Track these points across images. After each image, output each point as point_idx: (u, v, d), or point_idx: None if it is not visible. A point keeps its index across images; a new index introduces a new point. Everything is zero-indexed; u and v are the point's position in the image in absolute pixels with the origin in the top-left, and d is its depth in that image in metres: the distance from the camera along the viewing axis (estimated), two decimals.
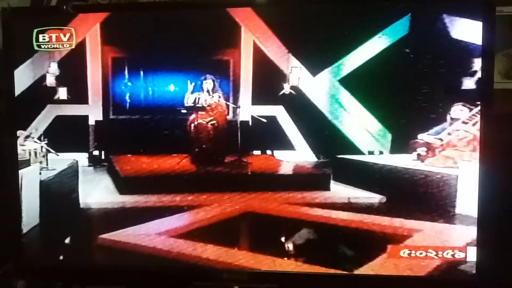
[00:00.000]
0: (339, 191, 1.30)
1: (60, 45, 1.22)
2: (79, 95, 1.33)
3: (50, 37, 1.22)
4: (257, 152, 1.32)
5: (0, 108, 1.30)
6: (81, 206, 1.36)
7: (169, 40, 1.30)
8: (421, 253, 1.22)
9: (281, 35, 1.26)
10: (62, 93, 1.33)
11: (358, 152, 1.28)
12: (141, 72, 1.32)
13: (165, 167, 1.33)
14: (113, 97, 1.34)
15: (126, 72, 1.32)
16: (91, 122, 1.35)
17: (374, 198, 1.28)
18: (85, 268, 1.31)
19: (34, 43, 1.23)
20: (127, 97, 1.33)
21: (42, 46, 1.22)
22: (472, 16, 1.13)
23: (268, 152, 1.32)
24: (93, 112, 1.35)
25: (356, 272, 1.24)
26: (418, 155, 1.24)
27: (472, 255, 1.19)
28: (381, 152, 1.28)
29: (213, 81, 1.30)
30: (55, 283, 1.33)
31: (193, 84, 1.30)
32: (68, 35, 1.22)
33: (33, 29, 1.22)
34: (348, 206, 1.29)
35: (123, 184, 1.36)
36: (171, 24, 1.30)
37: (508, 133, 1.22)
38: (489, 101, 1.12)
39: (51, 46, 1.22)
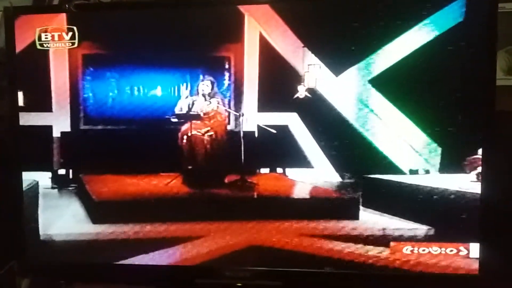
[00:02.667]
0: (370, 220, 1.18)
1: (63, 44, 1.22)
2: (39, 101, 1.24)
3: (53, 36, 1.22)
4: (265, 171, 1.22)
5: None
6: (42, 238, 1.26)
7: (156, 32, 1.21)
8: (424, 250, 1.16)
9: (294, 25, 1.15)
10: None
11: (396, 171, 1.16)
12: (121, 73, 1.22)
13: (151, 189, 1.23)
14: (84, 103, 1.24)
15: (101, 72, 1.22)
16: (56, 133, 1.25)
17: (419, 229, 1.15)
18: (88, 266, 1.28)
19: (37, 42, 1.22)
20: (102, 103, 1.23)
21: (45, 45, 1.22)
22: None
23: (279, 170, 1.22)
24: (59, 121, 1.24)
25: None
26: (478, 175, 1.11)
27: (475, 252, 1.14)
28: (427, 171, 1.15)
29: (212, 83, 1.21)
30: (59, 281, 1.32)
31: (188, 89, 1.22)
32: (70, 33, 1.21)
33: (35, 28, 1.22)
34: (383, 240, 1.17)
35: (97, 211, 1.25)
36: (158, 13, 1.22)
37: (511, 129, 1.20)
38: (492, 98, 1.10)
39: (53, 45, 1.22)
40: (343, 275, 1.18)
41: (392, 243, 1.16)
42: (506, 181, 1.17)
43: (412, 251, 1.15)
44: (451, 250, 1.14)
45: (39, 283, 1.35)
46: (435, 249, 1.15)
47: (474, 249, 1.14)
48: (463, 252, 1.14)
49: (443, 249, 1.15)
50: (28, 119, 1.23)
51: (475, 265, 1.14)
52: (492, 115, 1.09)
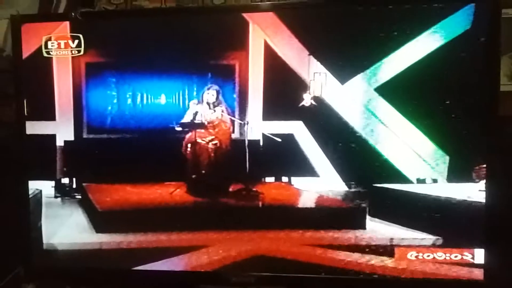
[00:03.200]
0: (378, 230, 1.16)
1: (69, 52, 1.22)
2: (43, 110, 1.23)
3: (59, 44, 1.22)
4: (270, 180, 1.21)
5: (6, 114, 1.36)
6: (45, 247, 1.25)
7: (161, 41, 1.20)
8: (428, 256, 1.15)
9: (300, 32, 1.14)
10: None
11: (403, 180, 1.14)
12: (124, 81, 1.21)
13: (155, 198, 1.22)
14: (87, 112, 1.23)
15: (104, 80, 1.22)
16: (59, 142, 1.24)
17: (426, 239, 1.14)
18: (93, 271, 1.27)
19: (43, 50, 1.22)
20: (105, 112, 1.22)
21: (51, 53, 1.22)
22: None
23: (284, 179, 1.21)
24: (62, 130, 1.24)
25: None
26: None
27: (480, 257, 1.13)
28: (435, 181, 1.13)
29: (217, 92, 1.20)
30: (64, 286, 1.31)
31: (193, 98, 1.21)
32: (76, 41, 1.21)
33: (41, 35, 1.23)
34: (391, 250, 1.15)
35: (101, 220, 1.24)
36: (163, 22, 1.22)
37: None
38: (495, 103, 1.09)
39: (59, 52, 1.22)
40: (348, 281, 1.17)
41: (397, 249, 1.15)
42: (510, 185, 1.16)
43: (417, 256, 1.14)
44: (456, 256, 1.13)
45: None
46: (439, 254, 1.13)
47: (479, 255, 1.12)
48: (468, 258, 1.13)
49: (447, 254, 1.14)
50: (31, 128, 1.22)
51: (480, 271, 1.12)
52: (495, 121, 1.08)
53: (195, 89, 1.19)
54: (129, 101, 1.21)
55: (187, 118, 1.20)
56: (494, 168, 1.09)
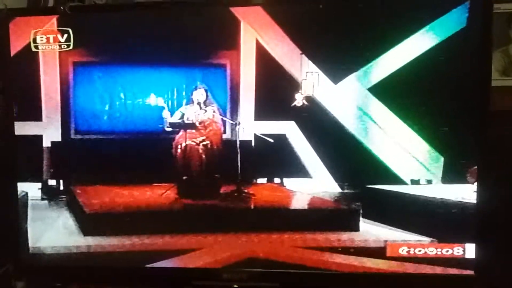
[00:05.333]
0: (371, 232, 1.16)
1: (58, 46, 1.20)
2: (29, 110, 1.22)
3: (48, 38, 1.20)
4: (262, 181, 1.21)
5: None
6: (31, 251, 1.24)
7: (149, 39, 1.19)
8: (419, 251, 1.15)
9: (292, 31, 1.14)
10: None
11: (397, 181, 1.14)
12: (113, 81, 1.20)
13: (144, 200, 1.22)
14: (75, 113, 1.22)
15: (92, 80, 1.21)
16: (46, 143, 1.23)
17: (421, 241, 1.14)
18: (84, 268, 1.26)
19: (32, 44, 1.21)
20: (94, 112, 1.21)
21: (40, 47, 1.21)
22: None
23: (276, 180, 1.21)
24: (49, 131, 1.23)
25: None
26: None
27: (470, 252, 1.14)
28: (429, 182, 1.13)
29: (206, 91, 1.19)
30: (54, 283, 1.31)
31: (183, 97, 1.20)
32: (65, 35, 1.20)
33: (30, 30, 1.21)
34: (385, 252, 1.15)
35: (89, 223, 1.23)
36: (152, 20, 1.21)
37: (505, 129, 1.21)
38: (487, 98, 1.09)
39: (48, 47, 1.21)
40: (341, 276, 1.16)
41: (388, 244, 1.14)
42: (501, 180, 1.16)
43: (408, 251, 1.14)
44: (447, 251, 1.13)
45: (34, 286, 1.34)
46: (431, 249, 1.13)
47: (470, 249, 1.12)
48: (459, 252, 1.13)
49: (439, 249, 1.14)
50: (18, 128, 1.20)
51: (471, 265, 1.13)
52: (487, 117, 1.09)
53: (185, 89, 1.18)
54: (118, 100, 1.20)
55: (177, 118, 1.19)
56: (486, 163, 1.09)
